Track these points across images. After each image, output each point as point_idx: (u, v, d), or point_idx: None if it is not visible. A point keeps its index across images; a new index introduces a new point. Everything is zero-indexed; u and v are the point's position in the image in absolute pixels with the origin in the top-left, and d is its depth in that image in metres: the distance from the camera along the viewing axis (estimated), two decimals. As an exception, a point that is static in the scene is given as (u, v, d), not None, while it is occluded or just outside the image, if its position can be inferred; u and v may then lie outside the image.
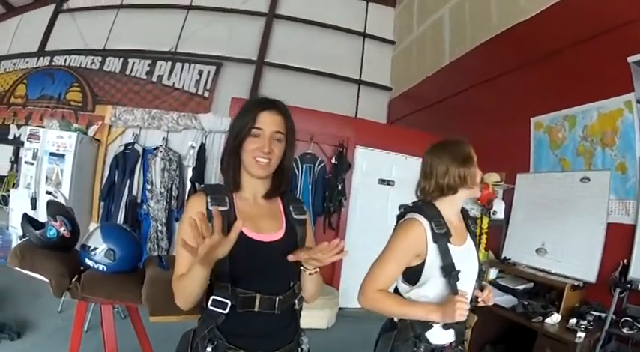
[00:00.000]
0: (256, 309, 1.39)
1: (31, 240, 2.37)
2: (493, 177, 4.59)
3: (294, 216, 1.53)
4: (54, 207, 2.47)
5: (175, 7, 8.69)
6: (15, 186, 6.40)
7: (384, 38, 8.82)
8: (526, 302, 3.63)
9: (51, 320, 4.17)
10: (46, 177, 5.65)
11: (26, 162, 5.77)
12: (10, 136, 8.84)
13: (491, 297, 1.91)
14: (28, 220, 2.43)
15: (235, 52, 8.27)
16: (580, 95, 4.00)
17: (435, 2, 7.15)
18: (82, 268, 2.28)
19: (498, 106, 5.14)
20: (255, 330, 1.41)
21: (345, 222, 5.77)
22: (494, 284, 4.12)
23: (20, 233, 3.70)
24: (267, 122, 1.43)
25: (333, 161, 5.63)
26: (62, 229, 2.36)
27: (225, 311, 1.37)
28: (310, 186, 5.47)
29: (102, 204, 5.68)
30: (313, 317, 4.56)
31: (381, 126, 7.11)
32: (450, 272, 1.70)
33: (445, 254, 1.70)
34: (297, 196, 5.36)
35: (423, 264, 1.72)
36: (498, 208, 4.51)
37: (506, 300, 3.81)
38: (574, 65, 4.12)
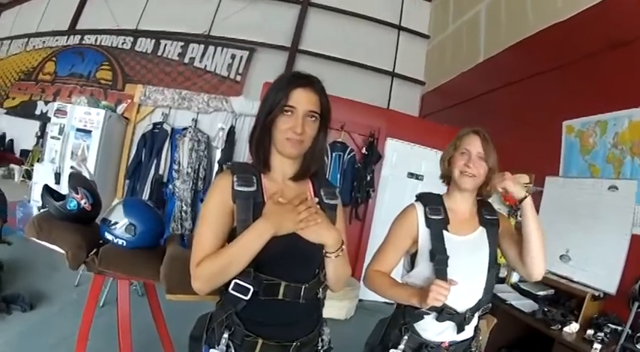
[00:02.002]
0: (280, 297, 1.31)
1: (50, 212, 2.29)
2: (523, 178, 4.44)
3: (325, 200, 1.44)
4: (76, 179, 2.39)
5: (209, -9, 8.64)
6: (39, 160, 6.41)
7: (419, 32, 8.66)
8: (546, 309, 3.54)
9: (66, 294, 4.10)
10: (72, 153, 5.64)
11: (52, 137, 5.78)
12: (37, 112, 8.91)
13: (506, 181, 1.66)
14: (48, 191, 2.35)
15: (269, 38, 8.22)
16: (612, 101, 3.82)
17: (473, -2, 6.99)
18: (100, 242, 2.20)
19: (531, 107, 4.97)
20: (278, 319, 1.34)
21: (371, 213, 5.66)
22: (515, 287, 4.05)
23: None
24: (302, 100, 1.31)
25: (364, 151, 5.52)
26: (83, 201, 2.27)
27: (247, 297, 1.29)
28: (339, 175, 5.36)
29: (127, 181, 5.63)
30: (332, 307, 4.48)
31: (413, 119, 6.96)
32: (435, 256, 1.65)
33: (437, 239, 1.68)
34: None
35: (417, 250, 1.72)
36: None
37: (526, 305, 3.72)
38: (608, 70, 3.96)
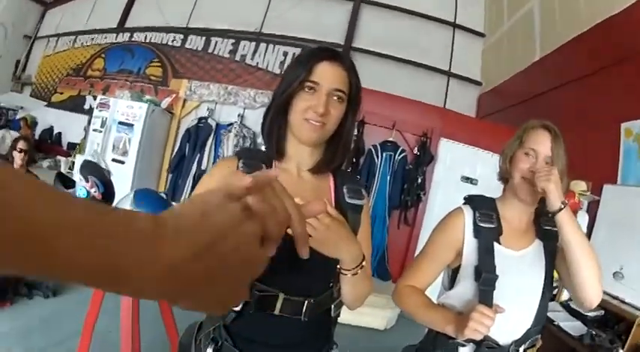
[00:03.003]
0: (276, 312, 1.09)
1: None
2: (580, 186, 4.07)
3: (347, 200, 1.19)
4: (88, 167, 2.32)
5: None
6: (81, 152, 6.45)
7: (475, 30, 8.33)
8: (594, 332, 3.23)
9: None
10: (113, 146, 5.64)
11: (94, 130, 5.87)
12: (86, 106, 9.08)
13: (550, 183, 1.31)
14: (60, 179, 2.23)
15: (321, 35, 8.01)
16: None
17: (525, -7, 6.66)
18: None
19: (588, 107, 4.61)
20: (272, 338, 1.13)
21: (421, 218, 5.35)
22: (565, 306, 3.71)
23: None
24: (327, 76, 1.09)
25: (415, 152, 5.22)
26: (93, 190, 2.19)
27: (237, 309, 1.09)
28: (389, 177, 5.11)
29: (170, 176, 5.55)
30: (372, 316, 4.19)
31: (468, 119, 6.60)
32: (481, 274, 1.35)
33: (486, 253, 1.39)
34: (374, 186, 5.06)
35: (460, 265, 1.45)
36: (582, 221, 3.97)
37: (574, 327, 3.41)
38: None
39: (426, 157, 5.22)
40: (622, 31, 4.20)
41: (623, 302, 3.41)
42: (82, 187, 2.16)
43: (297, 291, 1.09)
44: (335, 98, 1.09)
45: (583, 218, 4.01)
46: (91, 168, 2.32)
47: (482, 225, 1.41)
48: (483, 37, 8.30)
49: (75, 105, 9.44)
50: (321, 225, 0.97)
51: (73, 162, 8.16)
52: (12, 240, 0.29)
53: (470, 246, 1.41)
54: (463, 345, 1.36)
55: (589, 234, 4.05)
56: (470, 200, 1.52)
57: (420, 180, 5.17)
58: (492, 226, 1.41)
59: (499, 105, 7.09)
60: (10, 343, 2.95)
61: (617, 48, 4.23)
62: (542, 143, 1.40)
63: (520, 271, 1.40)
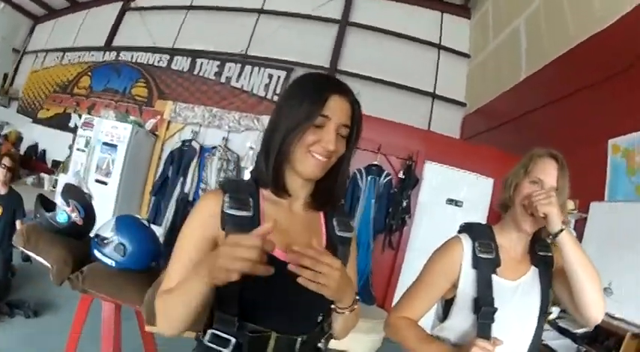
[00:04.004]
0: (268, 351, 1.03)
1: (41, 223, 2.20)
2: (568, 204, 4.06)
3: (338, 233, 1.15)
4: (69, 191, 2.32)
5: (246, 11, 8.65)
6: (65, 171, 6.39)
7: (460, 51, 8.40)
8: (584, 349, 3.27)
9: (71, 303, 4.03)
10: (97, 166, 5.60)
11: (78, 149, 5.80)
12: (71, 124, 9.06)
13: (552, 207, 1.32)
14: (41, 201, 2.26)
15: (306, 58, 8.07)
16: None
17: (510, 12, 6.67)
18: (91, 259, 2.06)
19: (574, 125, 4.64)
20: None
21: (406, 241, 5.33)
22: (553, 324, 3.70)
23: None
24: (337, 110, 1.03)
25: (400, 175, 5.22)
26: (74, 215, 2.18)
27: (227, 351, 1.00)
28: (373, 201, 5.09)
29: (152, 198, 5.49)
30: (357, 341, 4.11)
31: (454, 141, 6.65)
32: (480, 308, 1.33)
33: (484, 285, 1.36)
34: (359, 210, 5.04)
35: (455, 296, 1.41)
36: None
37: (563, 346, 3.41)
38: None
39: (411, 180, 5.21)
40: (608, 47, 4.24)
41: (612, 317, 3.41)
42: (63, 211, 2.15)
43: (290, 329, 1.04)
44: (341, 134, 1.05)
45: None
46: (73, 192, 2.32)
47: (481, 256, 1.38)
48: (468, 58, 8.37)
49: (60, 122, 9.38)
50: (330, 277, 0.91)
51: (57, 180, 8.12)
52: None
53: (467, 277, 1.38)
54: None
55: None
56: (468, 228, 1.48)
57: (405, 204, 5.15)
58: (491, 257, 1.38)
59: (484, 126, 7.12)
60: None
61: (603, 65, 4.26)
62: (549, 173, 1.40)
63: (517, 301, 1.39)
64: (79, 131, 5.88)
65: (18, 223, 3.89)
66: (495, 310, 1.33)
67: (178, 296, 0.95)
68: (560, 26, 5.22)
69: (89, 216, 2.26)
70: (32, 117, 9.92)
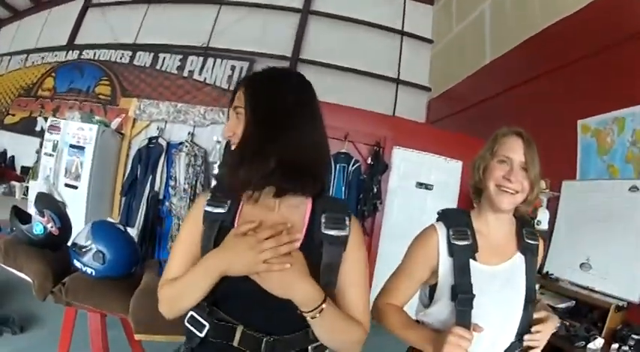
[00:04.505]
0: (235, 344, 1.05)
1: (17, 236, 2.15)
2: (540, 182, 4.18)
3: (323, 230, 1.09)
4: (42, 201, 2.26)
5: (207, 2, 8.56)
6: (34, 177, 6.27)
7: (423, 37, 8.46)
8: (568, 323, 3.34)
9: (57, 318, 3.93)
10: (66, 170, 5.51)
11: (46, 154, 5.71)
12: (37, 128, 8.88)
13: (542, 340, 1.41)
14: (16, 213, 2.21)
15: (269, 48, 8.04)
16: (629, 96, 3.59)
17: (475, -1, 6.80)
18: (73, 270, 2.02)
19: (543, 107, 4.74)
20: None
21: (379, 227, 5.37)
22: None
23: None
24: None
25: (369, 161, 5.25)
26: (49, 225, 2.13)
27: (201, 335, 1.07)
28: (344, 188, 5.10)
29: (123, 199, 5.43)
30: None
31: (421, 127, 6.74)
32: (457, 295, 1.33)
33: (462, 271, 1.35)
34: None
35: (437, 283, 1.41)
36: (542, 218, 4.17)
37: None
38: (624, 62, 3.72)
39: (379, 166, 5.24)
40: (575, 31, 4.35)
41: (593, 291, 3.56)
42: (39, 222, 2.11)
43: (257, 326, 1.05)
44: (235, 114, 1.11)
45: (544, 215, 4.16)
46: (46, 201, 2.27)
47: (456, 243, 1.38)
48: (431, 43, 8.43)
49: (27, 127, 9.16)
50: (279, 268, 0.96)
51: (27, 188, 7.93)
52: None
53: (445, 265, 1.39)
54: None
55: (551, 230, 4.24)
56: (443, 216, 1.48)
57: (375, 190, 5.17)
58: (467, 243, 1.38)
59: (449, 109, 7.21)
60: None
61: (569, 48, 4.37)
62: (515, 150, 1.41)
63: (498, 286, 1.38)
64: (46, 135, 5.76)
65: None
66: (473, 296, 1.32)
67: (184, 288, 1.07)
68: (526, 11, 5.31)
69: (65, 225, 2.22)
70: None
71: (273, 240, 0.98)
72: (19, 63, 10.03)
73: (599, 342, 3.04)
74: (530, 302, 1.40)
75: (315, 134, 1.12)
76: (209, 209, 1.10)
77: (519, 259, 1.44)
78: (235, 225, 1.07)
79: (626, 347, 2.91)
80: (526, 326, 1.40)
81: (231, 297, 1.06)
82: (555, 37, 4.69)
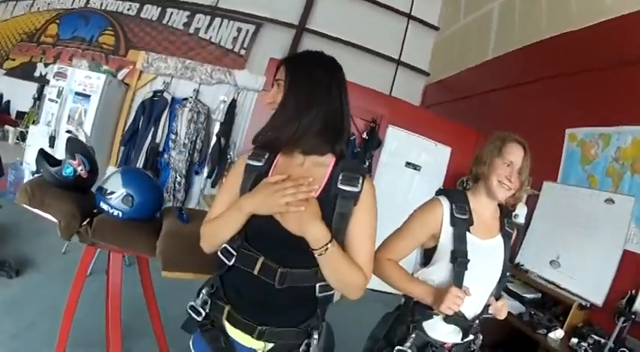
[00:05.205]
0: (255, 272, 1.28)
1: (43, 178, 2.19)
2: (527, 184, 4.39)
3: (340, 186, 1.26)
4: (74, 145, 2.26)
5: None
6: (35, 122, 6.31)
7: (429, 23, 8.58)
8: (532, 312, 3.64)
9: (53, 261, 4.06)
10: (69, 117, 5.56)
11: (49, 100, 5.70)
12: (36, 74, 8.86)
13: (504, 311, 1.79)
14: (43, 156, 2.23)
15: (277, 14, 8.12)
16: (618, 115, 3.86)
17: (485, -5, 6.91)
18: (95, 212, 2.09)
19: (536, 110, 4.95)
20: (250, 295, 1.33)
21: (366, 198, 5.54)
22: (504, 288, 4.08)
23: (34, 169, 3.52)
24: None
25: (364, 136, 5.43)
26: (80, 168, 2.17)
27: (229, 263, 1.32)
28: (337, 159, 5.25)
29: (122, 148, 5.53)
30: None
31: (416, 109, 6.91)
32: (456, 258, 1.63)
33: (460, 240, 1.65)
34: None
35: (436, 247, 1.69)
36: (520, 212, 4.37)
37: (512, 306, 3.76)
38: (618, 84, 3.96)
39: (374, 142, 5.44)
40: (576, 45, 4.54)
41: (558, 287, 3.83)
42: (69, 165, 2.15)
43: (275, 259, 1.26)
44: (277, 85, 1.33)
45: (521, 209, 4.36)
46: (77, 145, 2.29)
47: (457, 216, 1.66)
48: (437, 31, 8.55)
49: (25, 72, 9.19)
50: (295, 210, 1.17)
51: (22, 132, 7.95)
52: None
53: (447, 233, 1.66)
54: (437, 314, 1.65)
55: (527, 224, 4.49)
56: (446, 193, 1.76)
57: (367, 164, 5.38)
58: (466, 217, 1.67)
59: (445, 96, 7.38)
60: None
61: (569, 60, 4.58)
62: (518, 156, 1.72)
63: (485, 257, 1.68)
64: (52, 81, 5.75)
65: None
66: (468, 261, 1.61)
67: (221, 223, 1.31)
68: (533, 18, 5.50)
69: (93, 169, 2.26)
70: (-1, 68, 9.54)
71: (293, 188, 1.18)
72: (24, 8, 9.96)
73: (559, 333, 3.35)
74: (504, 277, 1.76)
75: (341, 107, 1.33)
76: (250, 162, 1.34)
77: (500, 240, 1.76)
78: (270, 175, 1.29)
79: (584, 344, 3.18)
80: (498, 295, 1.78)
81: (258, 234, 1.28)
82: (557, 47, 4.88)
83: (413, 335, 1.68)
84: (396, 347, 1.68)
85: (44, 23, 9.50)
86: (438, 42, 8.53)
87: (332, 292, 1.34)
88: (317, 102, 1.27)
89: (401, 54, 8.43)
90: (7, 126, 8.29)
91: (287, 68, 1.32)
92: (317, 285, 1.31)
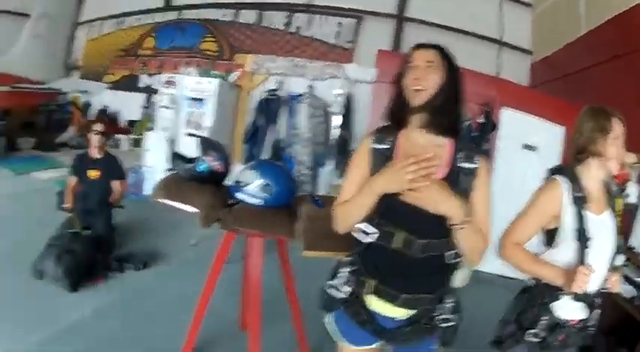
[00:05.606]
0: (393, 246, 1.39)
1: (175, 175, 2.43)
2: (630, 157, 4.18)
3: (459, 164, 1.40)
4: (206, 143, 2.51)
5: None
6: (148, 129, 6.71)
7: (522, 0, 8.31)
8: None
9: (182, 254, 4.26)
10: (188, 120, 5.90)
11: (162, 107, 6.05)
12: (141, 85, 9.38)
13: (617, 284, 1.82)
14: (178, 156, 2.50)
15: (373, 6, 8.18)
16: None
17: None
18: (229, 203, 2.27)
19: (632, 82, 4.65)
20: (391, 268, 1.43)
21: (488, 184, 5.49)
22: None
23: (163, 168, 4.03)
24: (419, 56, 1.41)
25: (480, 120, 5.37)
26: (214, 163, 2.39)
27: (370, 240, 1.42)
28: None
29: (245, 146, 5.80)
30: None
31: (528, 90, 6.73)
32: (581, 237, 1.65)
33: (581, 218, 1.66)
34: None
35: (557, 227, 1.71)
36: (631, 192, 4.13)
37: (626, 290, 3.56)
38: None
39: (489, 126, 5.39)
40: None
41: None
42: (203, 161, 2.37)
43: (412, 232, 1.37)
44: (427, 67, 1.38)
45: (633, 188, 4.15)
46: (210, 143, 2.54)
47: (576, 194, 1.68)
48: (529, 7, 8.29)
49: (129, 84, 9.75)
50: (420, 185, 1.27)
51: (135, 139, 8.48)
52: None
53: (568, 213, 1.68)
54: (566, 294, 1.68)
55: (638, 204, 4.22)
56: (560, 170, 1.79)
57: (485, 147, 5.35)
58: (582, 195, 1.68)
59: (551, 75, 7.10)
60: (110, 317, 3.05)
61: None
62: (622, 133, 1.72)
63: (603, 232, 1.70)
64: (161, 89, 6.16)
65: (117, 184, 4.09)
66: (589, 239, 1.64)
67: (354, 205, 1.41)
68: None
69: (226, 164, 2.47)
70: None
71: (415, 165, 1.26)
72: (112, 26, 10.54)
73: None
74: (619, 247, 1.77)
75: (463, 98, 1.45)
76: (375, 146, 1.44)
77: (609, 214, 1.77)
78: (394, 157, 1.40)
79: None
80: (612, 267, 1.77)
81: (390, 211, 1.38)
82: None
83: (546, 317, 1.72)
84: (527, 331, 1.74)
85: (139, 38, 10.04)
86: (535, 18, 8.22)
87: (458, 260, 1.46)
88: (459, 94, 1.43)
89: (502, 34, 8.25)
90: (117, 135, 8.82)
91: (442, 58, 1.42)
92: (445, 254, 1.42)
